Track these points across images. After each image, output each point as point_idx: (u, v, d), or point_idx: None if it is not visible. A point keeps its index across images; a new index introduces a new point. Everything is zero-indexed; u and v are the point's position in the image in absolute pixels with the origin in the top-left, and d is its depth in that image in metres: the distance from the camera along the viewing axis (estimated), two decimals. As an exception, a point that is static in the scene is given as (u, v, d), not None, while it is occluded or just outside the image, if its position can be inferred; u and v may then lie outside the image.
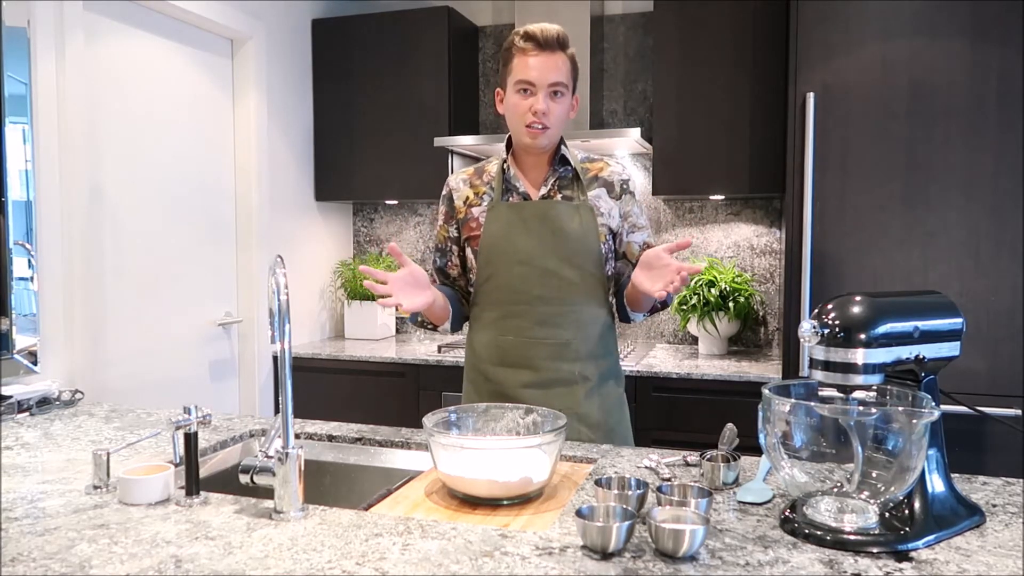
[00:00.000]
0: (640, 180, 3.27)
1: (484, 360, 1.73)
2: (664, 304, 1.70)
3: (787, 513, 1.12)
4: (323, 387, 3.08)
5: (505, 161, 1.74)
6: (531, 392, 1.67)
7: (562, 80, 1.61)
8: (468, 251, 1.76)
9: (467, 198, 1.76)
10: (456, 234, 1.79)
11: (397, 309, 1.50)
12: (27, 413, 1.86)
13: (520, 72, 1.61)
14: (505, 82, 1.66)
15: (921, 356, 1.11)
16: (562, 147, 1.72)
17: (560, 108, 1.63)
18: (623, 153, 3.25)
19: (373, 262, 3.46)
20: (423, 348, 3.16)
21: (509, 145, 1.74)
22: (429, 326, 1.77)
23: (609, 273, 1.74)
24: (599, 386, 1.71)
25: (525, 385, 1.68)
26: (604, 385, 1.72)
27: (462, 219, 1.76)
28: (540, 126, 1.62)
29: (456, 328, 1.81)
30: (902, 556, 1.00)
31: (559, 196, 1.70)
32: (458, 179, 1.79)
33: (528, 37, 1.60)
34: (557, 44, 1.60)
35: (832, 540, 1.03)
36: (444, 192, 1.81)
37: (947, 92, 2.21)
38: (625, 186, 1.75)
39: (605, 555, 1.00)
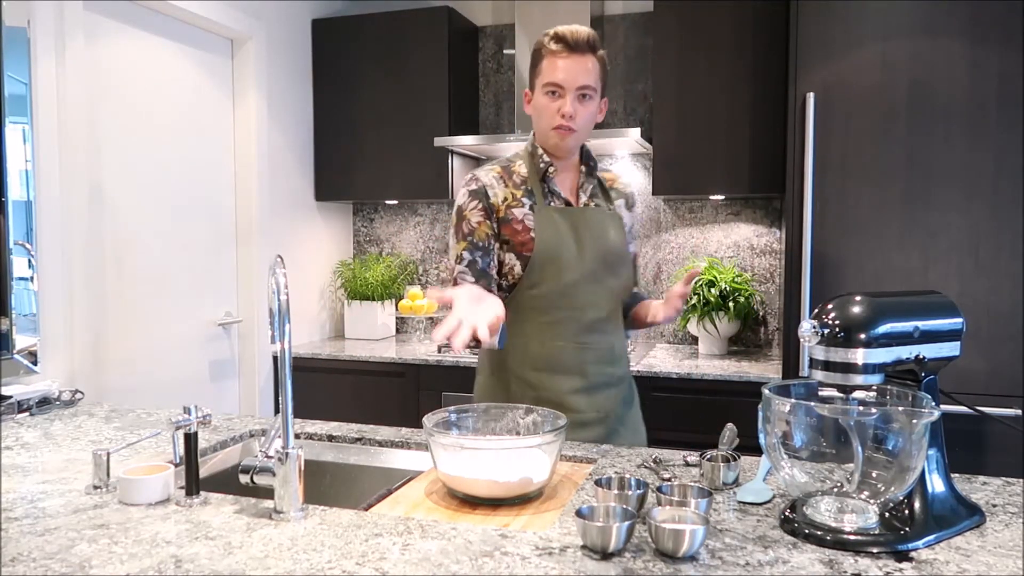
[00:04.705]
0: (640, 180, 3.27)
1: (529, 367, 1.67)
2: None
3: (787, 513, 1.12)
4: (323, 387, 3.08)
5: (545, 163, 1.67)
6: (578, 398, 1.66)
7: (590, 83, 1.60)
8: (506, 254, 1.66)
9: (505, 199, 1.67)
10: (497, 231, 1.68)
11: (477, 344, 1.26)
12: (27, 413, 1.86)
13: (549, 74, 1.60)
14: (534, 83, 1.65)
15: (921, 356, 1.11)
16: (590, 153, 1.74)
17: (588, 111, 1.62)
18: (623, 153, 3.25)
19: (373, 262, 3.46)
20: (423, 348, 3.16)
21: (533, 148, 1.69)
22: (473, 344, 1.36)
23: None
24: (628, 386, 1.79)
25: (574, 391, 1.66)
26: (630, 384, 1.81)
27: (502, 219, 1.66)
28: (567, 128, 1.61)
29: (505, 342, 1.61)
30: (902, 556, 1.00)
31: (593, 204, 1.72)
32: (489, 176, 1.68)
33: (558, 39, 1.59)
34: (587, 46, 1.59)
35: (832, 540, 1.03)
36: (474, 188, 1.65)
37: (947, 92, 2.21)
38: (633, 199, 1.83)
39: (605, 555, 1.00)
